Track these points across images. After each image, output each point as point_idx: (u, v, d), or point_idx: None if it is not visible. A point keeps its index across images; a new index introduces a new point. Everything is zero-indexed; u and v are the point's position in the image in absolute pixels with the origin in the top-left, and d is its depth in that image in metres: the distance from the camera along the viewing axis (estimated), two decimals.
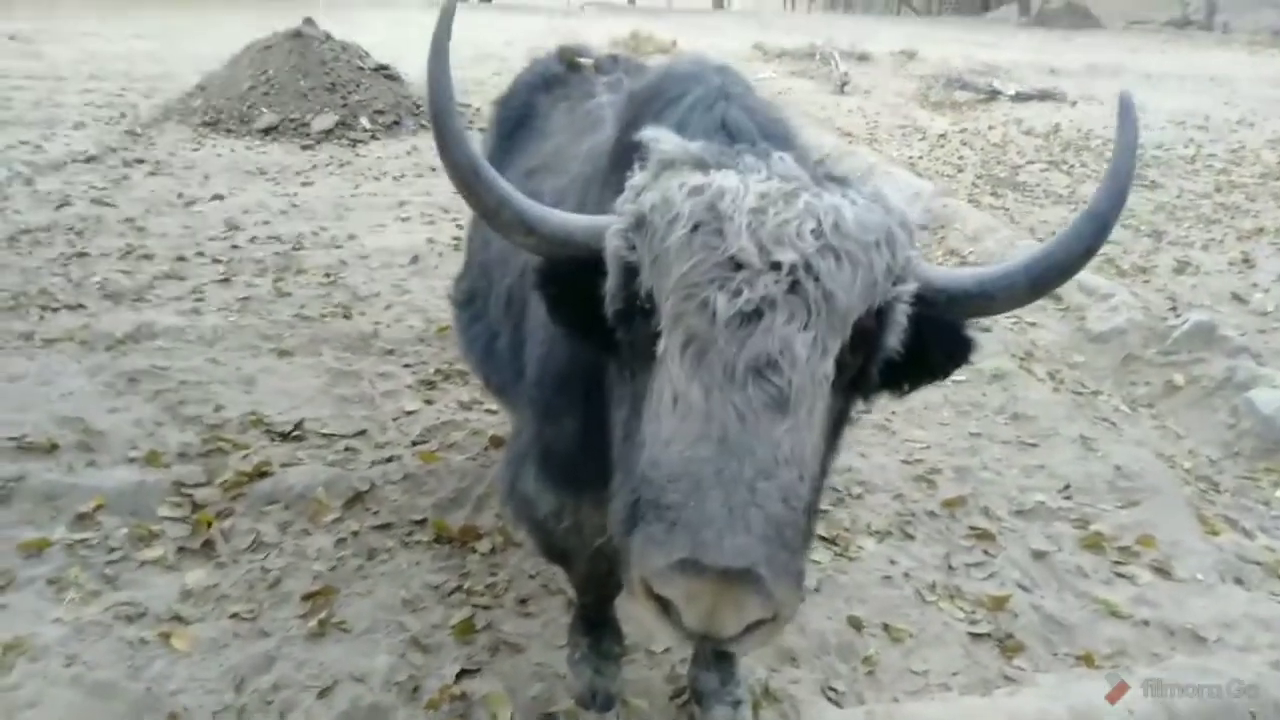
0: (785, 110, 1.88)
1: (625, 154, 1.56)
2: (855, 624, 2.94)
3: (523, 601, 2.97)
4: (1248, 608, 3.10)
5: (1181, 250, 6.92)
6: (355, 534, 3.21)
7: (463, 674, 2.64)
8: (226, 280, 5.32)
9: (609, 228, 1.38)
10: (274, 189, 7.28)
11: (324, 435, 3.78)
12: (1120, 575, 3.26)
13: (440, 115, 1.53)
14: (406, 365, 4.46)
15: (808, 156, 1.58)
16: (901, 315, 1.35)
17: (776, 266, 1.23)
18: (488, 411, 4.03)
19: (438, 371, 4.40)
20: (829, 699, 2.66)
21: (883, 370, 1.41)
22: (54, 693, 2.43)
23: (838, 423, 1.47)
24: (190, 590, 2.88)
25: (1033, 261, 1.47)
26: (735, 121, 1.64)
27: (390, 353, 4.57)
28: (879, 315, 1.33)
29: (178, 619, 2.76)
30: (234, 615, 2.80)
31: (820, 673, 2.76)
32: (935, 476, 3.80)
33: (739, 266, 1.23)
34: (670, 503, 1.19)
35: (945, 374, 1.51)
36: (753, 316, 1.22)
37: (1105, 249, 6.83)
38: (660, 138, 1.44)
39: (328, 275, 5.50)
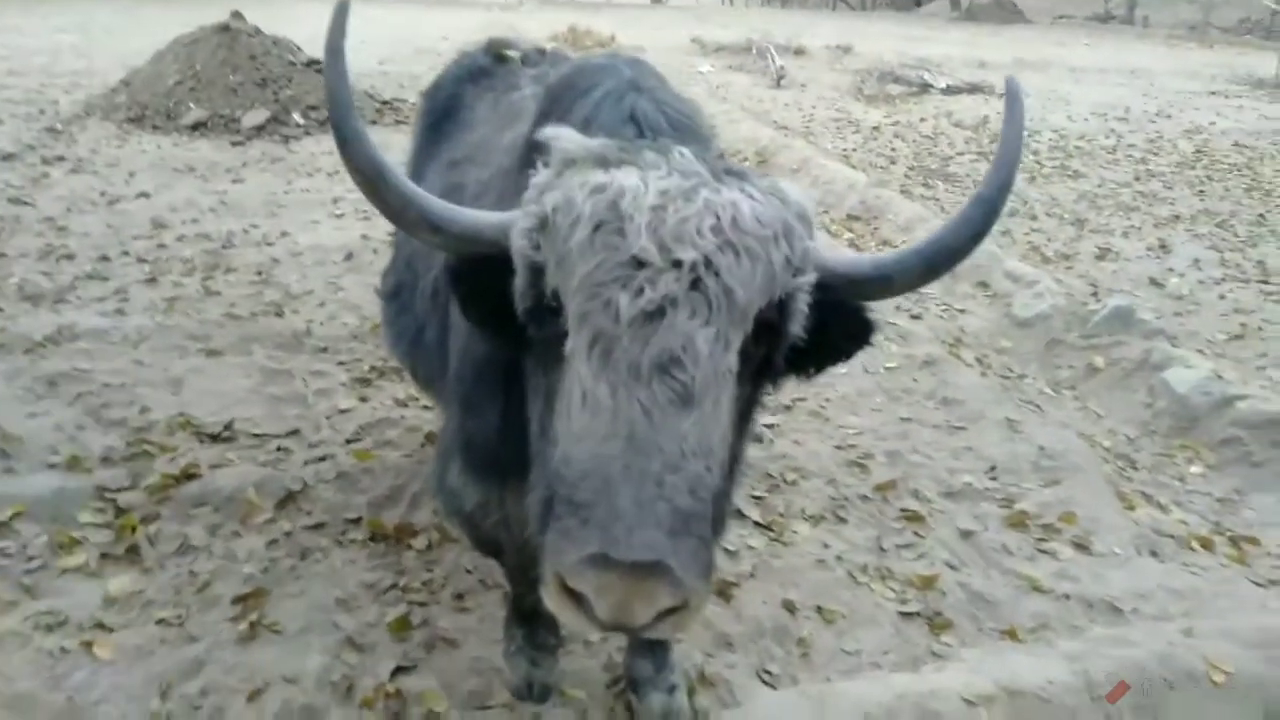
0: (694, 104, 1.90)
1: (535, 148, 1.56)
2: (789, 607, 3.00)
3: (459, 597, 2.96)
4: (1162, 579, 3.24)
5: (1103, 237, 7.16)
6: (288, 534, 3.16)
7: (398, 671, 2.62)
8: (153, 280, 5.18)
9: (514, 226, 1.39)
10: (203, 186, 7.10)
11: (255, 435, 3.71)
12: (1043, 551, 3.38)
13: (339, 116, 1.50)
14: (341, 363, 4.39)
15: (710, 150, 1.60)
16: (802, 304, 1.38)
17: (678, 264, 1.26)
18: (424, 408, 3.99)
19: (372, 369, 4.35)
20: (764, 681, 2.71)
21: (788, 356, 1.45)
22: None
23: (746, 410, 1.51)
24: (114, 597, 2.80)
25: (926, 245, 1.53)
26: (644, 113, 1.66)
27: (324, 350, 4.50)
28: (780, 306, 1.36)
29: (101, 627, 2.69)
30: (160, 621, 2.74)
31: (755, 656, 2.80)
32: (867, 461, 3.88)
33: (641, 265, 1.26)
34: (581, 500, 1.22)
35: (849, 355, 1.56)
36: (655, 315, 1.25)
37: (1031, 237, 7.08)
38: (561, 135, 1.45)
39: (259, 273, 5.39)
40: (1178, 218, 7.76)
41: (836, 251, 1.53)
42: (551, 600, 1.27)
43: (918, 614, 3.03)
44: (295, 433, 3.75)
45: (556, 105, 1.74)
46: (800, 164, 8.69)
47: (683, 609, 1.22)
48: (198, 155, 7.96)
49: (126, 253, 5.55)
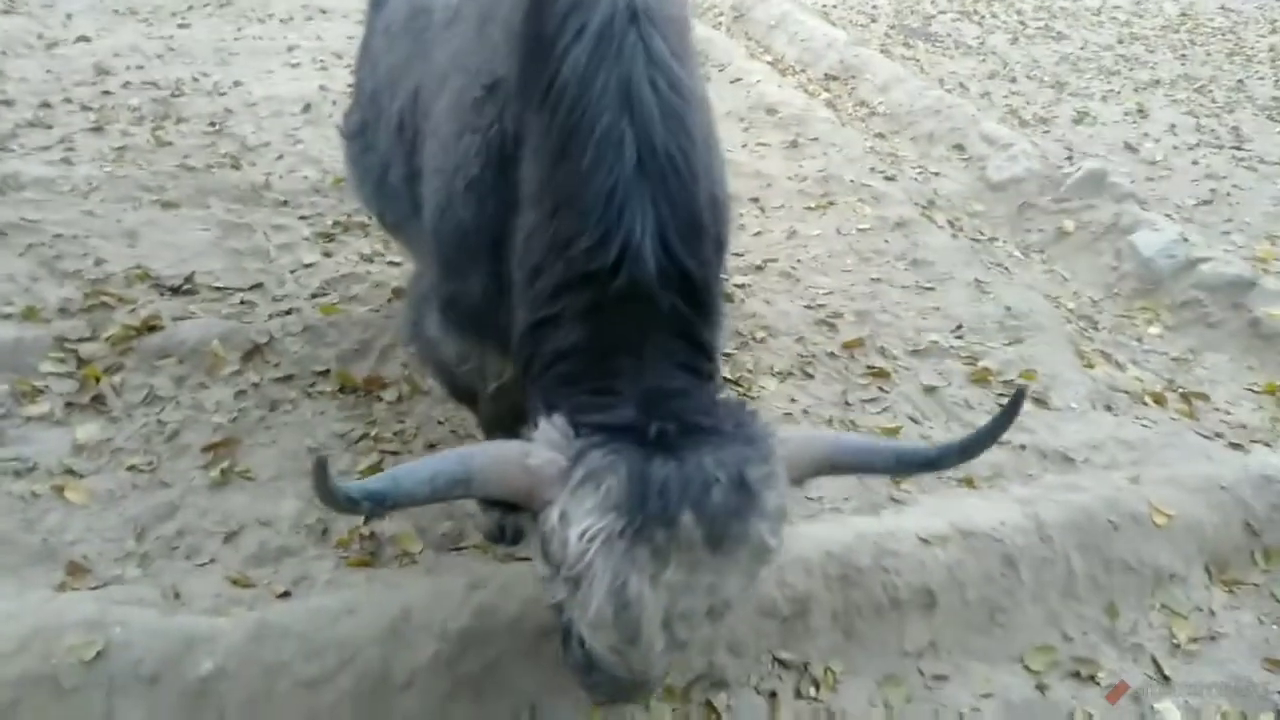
0: (683, 39, 1.70)
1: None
2: None
3: (431, 446, 2.99)
4: (1114, 431, 3.35)
5: (1081, 101, 7.05)
6: (255, 386, 3.15)
7: (371, 516, 2.67)
8: (99, 129, 4.93)
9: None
10: (147, 30, 6.68)
11: (216, 289, 3.63)
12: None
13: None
14: (303, 217, 4.27)
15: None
16: None
17: (676, 642, 1.44)
18: (390, 264, 3.92)
19: (336, 224, 4.24)
20: None
21: None
22: None
23: None
24: (82, 445, 2.80)
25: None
26: (637, 96, 1.51)
27: (284, 204, 4.36)
28: None
29: (70, 473, 2.70)
30: (131, 468, 2.75)
31: None
32: (836, 320, 3.91)
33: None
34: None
35: None
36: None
37: (1009, 100, 6.95)
38: (587, 456, 1.38)
39: (212, 124, 5.15)
40: (1158, 82, 7.64)
41: (800, 455, 1.55)
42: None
43: None
44: (258, 286, 3.68)
45: (546, 15, 1.59)
46: (778, 20, 8.36)
47: None
48: None
49: (69, 100, 5.26)
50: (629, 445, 1.35)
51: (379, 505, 1.38)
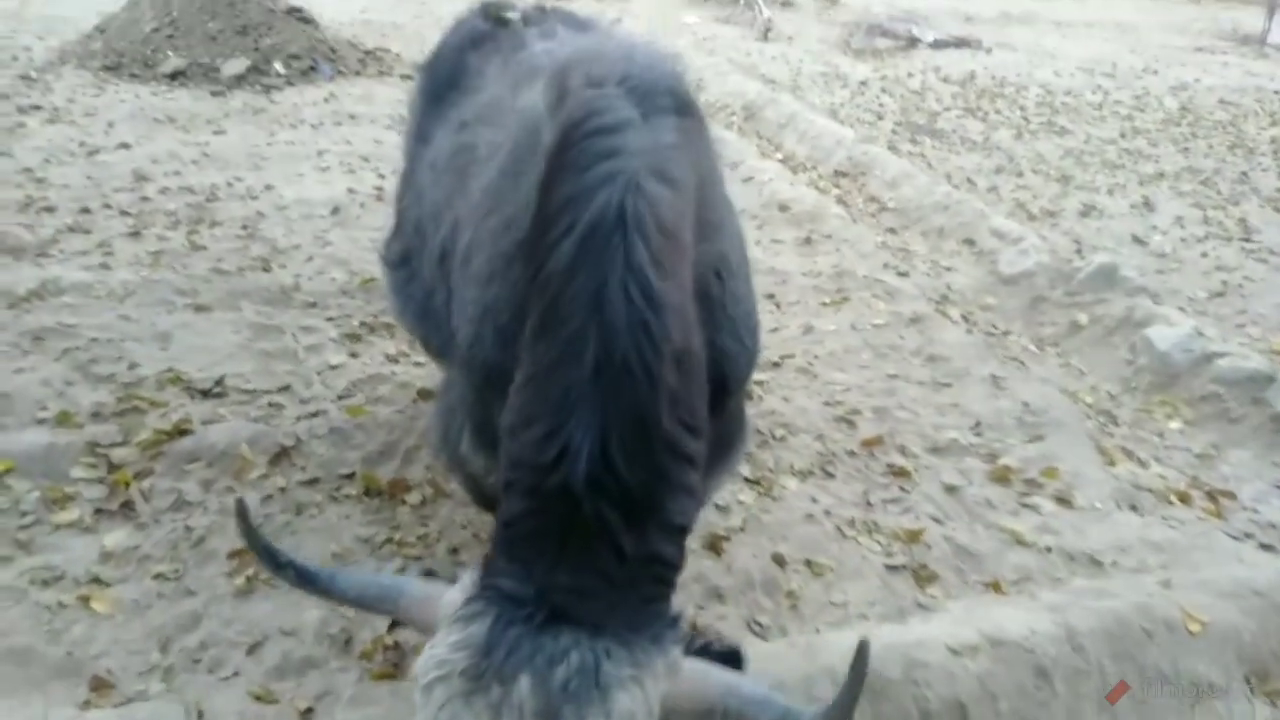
0: (678, 232, 1.64)
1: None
2: (779, 560, 3.06)
3: (454, 551, 3.00)
4: (1141, 532, 3.33)
5: (1088, 194, 7.18)
6: (282, 490, 3.18)
7: (395, 624, 2.66)
8: (136, 233, 5.11)
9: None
10: (184, 137, 6.97)
11: (246, 391, 3.70)
12: (1026, 505, 3.45)
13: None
14: (330, 318, 4.37)
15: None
16: None
17: None
18: (415, 364, 4.00)
19: (362, 324, 4.33)
20: (754, 633, 2.77)
21: None
22: None
23: None
24: (110, 552, 2.83)
25: None
26: (607, 300, 1.52)
27: (313, 306, 4.47)
28: None
29: (97, 581, 2.71)
30: (157, 575, 2.76)
31: (746, 608, 2.86)
32: (855, 417, 3.93)
33: None
34: None
35: None
36: None
37: (1017, 194, 7.10)
38: (437, 647, 1.42)
39: (245, 227, 5.33)
40: (1162, 175, 7.79)
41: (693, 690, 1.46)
42: None
43: (904, 567, 3.10)
44: (286, 388, 3.75)
45: (553, 195, 1.64)
46: (787, 119, 8.63)
47: None
48: (177, 105, 7.79)
49: (109, 205, 5.46)
50: (510, 610, 1.41)
51: (302, 583, 1.52)
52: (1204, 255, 6.06)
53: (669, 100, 1.77)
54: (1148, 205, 7.00)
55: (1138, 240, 6.27)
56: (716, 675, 1.47)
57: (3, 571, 2.71)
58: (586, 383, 1.49)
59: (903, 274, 5.49)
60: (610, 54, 1.94)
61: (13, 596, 2.63)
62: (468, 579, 1.50)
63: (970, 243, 5.94)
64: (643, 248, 1.54)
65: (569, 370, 1.50)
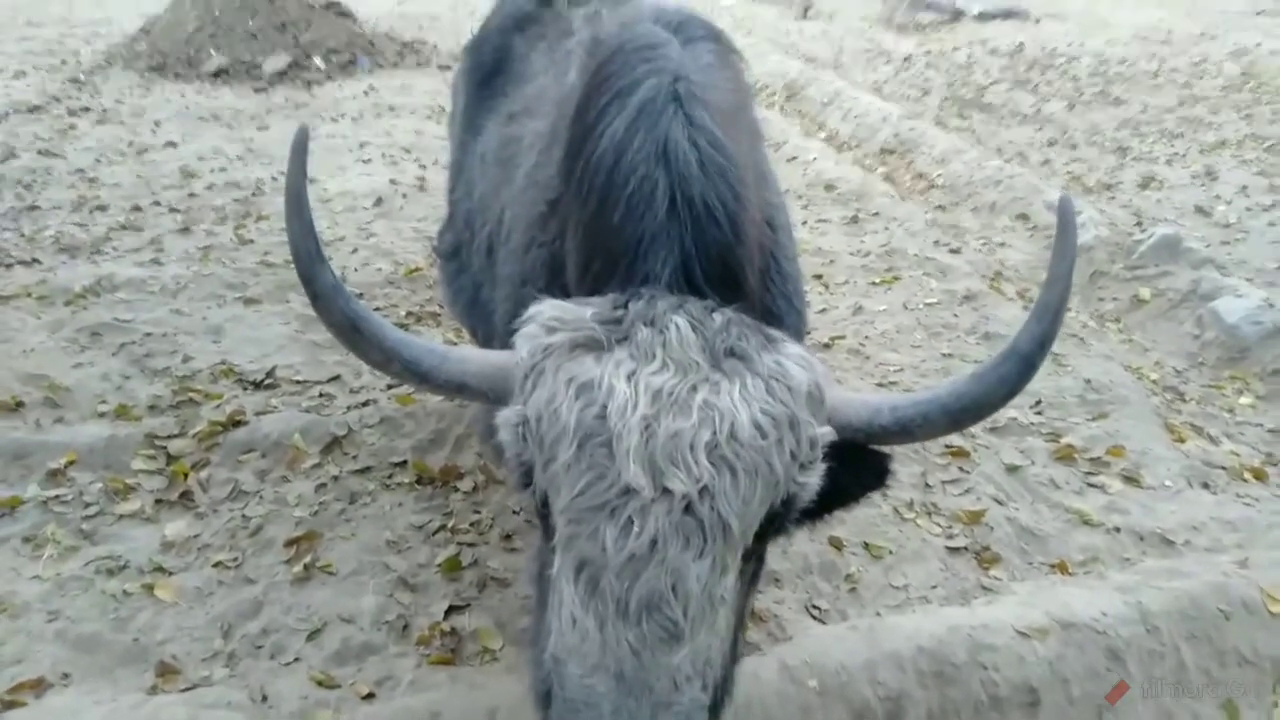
0: (733, 121, 1.61)
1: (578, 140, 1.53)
2: (836, 544, 3.00)
3: (507, 537, 2.99)
4: (1214, 511, 3.20)
5: (1146, 165, 6.95)
6: (335, 479, 3.20)
7: (451, 610, 2.67)
8: (186, 229, 5.18)
9: (503, 422, 1.32)
10: (229, 134, 7.06)
11: (297, 382, 3.73)
12: (1091, 485, 3.34)
13: (308, 271, 1.38)
14: (377, 308, 4.39)
15: (743, 234, 1.48)
16: (811, 490, 1.29)
17: (669, 493, 1.17)
18: None
19: (409, 314, 4.34)
20: (813, 616, 2.72)
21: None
22: (39, 648, 2.42)
23: (749, 581, 1.46)
24: (171, 541, 2.86)
25: (951, 397, 1.38)
26: (676, 153, 1.47)
27: (359, 296, 4.47)
28: (786, 501, 1.29)
29: (160, 570, 2.75)
30: (217, 564, 2.79)
31: (804, 592, 2.81)
32: None
33: (630, 492, 1.18)
34: None
35: (861, 497, 1.47)
36: (644, 552, 1.17)
37: (1071, 167, 6.89)
38: (545, 311, 1.33)
39: None
40: (1224, 143, 7.50)
41: (852, 400, 1.39)
42: None
43: (965, 549, 3.02)
44: (336, 379, 3.77)
45: (591, 103, 1.59)
46: (831, 97, 8.48)
47: None
48: (221, 103, 7.90)
49: (158, 202, 5.55)
50: (628, 297, 1.33)
51: (359, 327, 1.37)
52: (1271, 224, 5.81)
53: (704, 30, 1.74)
54: (1210, 175, 6.74)
55: (1201, 211, 6.04)
56: (867, 397, 1.39)
57: (70, 561, 2.76)
58: (660, 224, 1.41)
59: (954, 251, 5.35)
60: (643, 6, 1.94)
61: (80, 585, 2.67)
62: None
63: (1024, 218, 5.78)
64: (703, 110, 1.49)
65: (639, 219, 1.42)
